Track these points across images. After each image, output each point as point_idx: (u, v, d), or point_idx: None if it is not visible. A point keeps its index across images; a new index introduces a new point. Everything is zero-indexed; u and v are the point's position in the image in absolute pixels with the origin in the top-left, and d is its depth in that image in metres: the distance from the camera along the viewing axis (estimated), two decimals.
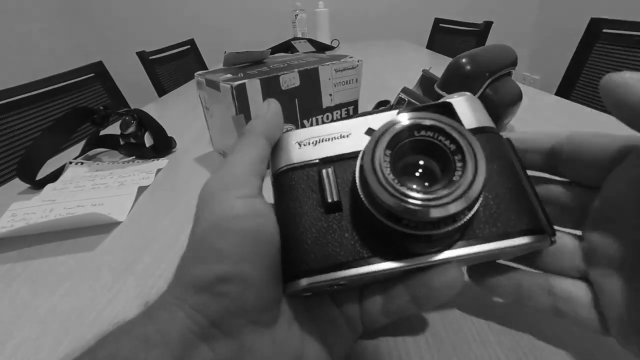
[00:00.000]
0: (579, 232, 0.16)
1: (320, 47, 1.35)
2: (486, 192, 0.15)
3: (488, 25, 1.27)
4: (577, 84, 0.94)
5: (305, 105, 0.43)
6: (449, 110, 0.17)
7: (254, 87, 0.38)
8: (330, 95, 0.45)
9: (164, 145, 0.51)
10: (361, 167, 0.14)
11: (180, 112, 0.75)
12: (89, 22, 2.34)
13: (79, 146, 0.54)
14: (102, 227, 0.34)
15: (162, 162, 0.48)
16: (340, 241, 0.15)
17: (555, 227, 0.15)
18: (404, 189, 0.12)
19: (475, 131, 0.15)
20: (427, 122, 0.14)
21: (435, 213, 0.12)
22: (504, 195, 0.15)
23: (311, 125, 0.44)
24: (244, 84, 0.37)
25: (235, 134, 0.40)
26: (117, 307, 0.25)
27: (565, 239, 0.16)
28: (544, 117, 0.52)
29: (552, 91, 0.76)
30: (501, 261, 0.18)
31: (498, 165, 0.15)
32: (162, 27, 2.35)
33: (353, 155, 0.16)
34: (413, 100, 0.44)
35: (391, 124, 0.14)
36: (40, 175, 0.45)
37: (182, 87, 1.07)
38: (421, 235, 0.13)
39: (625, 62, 0.84)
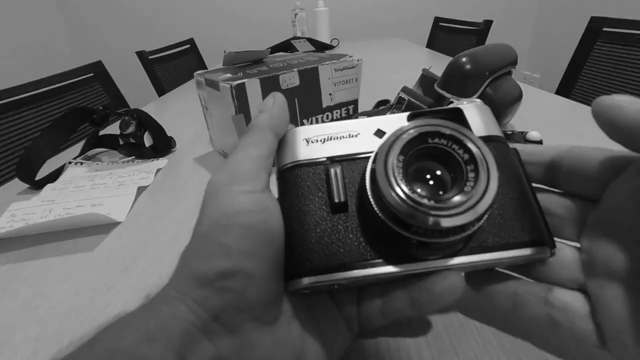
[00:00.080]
0: (576, 244, 0.16)
1: (320, 47, 1.35)
2: None
3: (488, 24, 1.27)
4: (577, 83, 0.94)
5: (305, 104, 0.43)
6: (458, 117, 0.17)
7: (253, 87, 0.38)
8: (330, 94, 0.45)
9: (163, 145, 0.51)
10: (373, 170, 0.14)
11: (179, 111, 0.75)
12: (88, 22, 2.34)
13: (79, 146, 0.54)
14: (102, 227, 0.34)
15: (161, 162, 0.48)
16: (345, 242, 0.15)
17: (555, 239, 0.15)
18: (415, 197, 0.12)
19: (484, 139, 0.15)
20: (444, 131, 0.14)
21: (446, 223, 0.12)
22: (508, 206, 0.15)
23: (311, 124, 0.44)
24: (244, 83, 0.37)
25: (234, 134, 0.40)
26: (117, 307, 0.25)
27: (565, 250, 0.16)
28: (544, 116, 0.52)
29: (552, 90, 0.76)
30: (499, 269, 0.18)
31: (504, 175, 0.15)
32: (162, 27, 2.35)
33: (361, 156, 0.16)
34: (413, 100, 0.44)
35: (405, 129, 0.14)
36: (40, 175, 0.45)
37: (182, 86, 1.07)
38: (428, 243, 0.13)
39: (626, 60, 0.84)
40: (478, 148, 0.13)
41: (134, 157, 0.50)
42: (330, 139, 0.17)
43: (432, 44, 1.60)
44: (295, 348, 0.16)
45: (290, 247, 0.15)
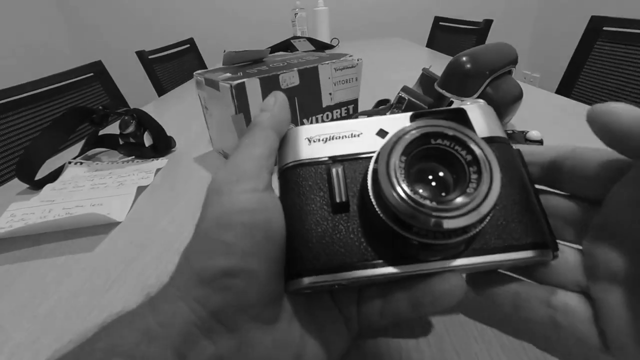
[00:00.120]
0: (579, 246, 0.16)
1: (320, 46, 1.35)
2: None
3: (488, 23, 1.27)
4: (577, 82, 0.93)
5: (305, 104, 0.43)
6: (462, 117, 0.17)
7: (253, 86, 0.38)
8: (330, 94, 0.45)
9: (163, 145, 0.50)
10: (375, 170, 0.14)
11: (179, 111, 0.75)
12: (88, 22, 2.33)
13: (78, 146, 0.54)
14: (101, 227, 0.34)
15: (161, 162, 0.47)
16: (346, 242, 0.15)
17: (557, 241, 0.15)
18: (417, 198, 0.12)
19: (487, 140, 0.15)
20: (447, 132, 0.14)
21: (448, 224, 0.12)
22: (511, 207, 0.15)
23: (311, 124, 0.44)
24: (243, 83, 0.37)
25: (234, 134, 0.39)
26: (117, 307, 0.25)
27: (567, 252, 0.16)
28: (545, 116, 0.52)
29: (553, 90, 0.76)
30: (501, 270, 0.18)
31: (507, 176, 0.15)
32: (162, 26, 2.35)
33: (363, 156, 0.16)
34: (413, 99, 0.44)
35: (408, 129, 0.14)
36: (39, 175, 0.45)
37: (182, 86, 1.07)
38: (429, 244, 0.13)
39: (626, 59, 0.83)
40: (481, 149, 0.13)
41: (133, 157, 0.50)
42: (333, 139, 0.17)
43: (432, 43, 1.60)
44: (295, 348, 0.15)
45: (291, 246, 0.15)
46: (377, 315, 0.17)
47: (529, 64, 2.49)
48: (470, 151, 0.13)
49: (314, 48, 1.31)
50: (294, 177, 0.16)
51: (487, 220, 0.13)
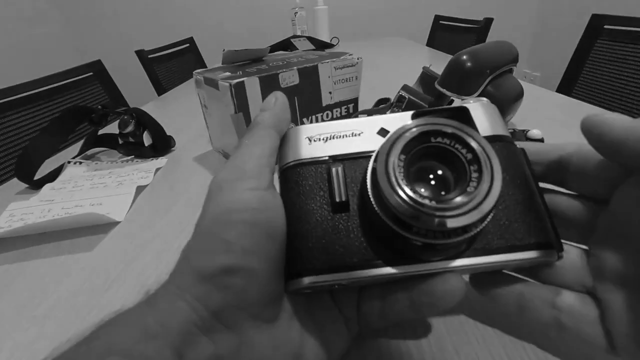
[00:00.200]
0: (585, 247, 0.16)
1: (320, 45, 1.34)
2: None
3: (488, 22, 1.27)
4: (578, 81, 0.93)
5: (305, 103, 0.43)
6: (464, 116, 0.16)
7: (252, 85, 0.38)
8: (330, 93, 0.44)
9: (163, 145, 0.50)
10: (374, 169, 0.14)
11: (179, 111, 0.75)
12: (87, 21, 2.33)
13: (78, 145, 0.54)
14: (101, 227, 0.34)
15: (161, 161, 0.47)
16: (346, 242, 0.15)
17: (563, 241, 0.15)
18: (417, 197, 0.12)
19: (490, 139, 0.15)
20: (446, 129, 0.14)
21: (448, 224, 0.12)
22: (514, 207, 0.15)
23: (311, 123, 0.44)
24: (243, 82, 0.37)
25: (234, 133, 0.39)
26: (116, 307, 0.24)
27: (573, 253, 0.16)
28: (545, 115, 0.52)
29: (553, 89, 0.76)
30: (505, 271, 0.18)
31: (510, 175, 0.15)
32: (161, 26, 2.34)
33: (364, 155, 0.16)
34: (413, 98, 0.43)
35: (407, 127, 0.14)
36: (39, 175, 0.44)
37: (182, 85, 1.06)
38: (429, 244, 0.13)
39: (627, 58, 0.83)
40: (481, 147, 0.13)
41: (133, 156, 0.50)
42: (333, 138, 0.17)
43: (432, 42, 1.60)
44: (295, 347, 0.15)
45: (292, 246, 0.15)
46: (377, 315, 0.17)
47: (529, 63, 2.49)
48: (471, 149, 0.13)
49: (313, 47, 1.31)
50: (294, 176, 0.16)
51: (488, 219, 0.13)
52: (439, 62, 0.52)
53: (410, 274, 0.14)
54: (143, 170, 0.45)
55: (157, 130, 0.50)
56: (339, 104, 0.46)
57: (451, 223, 0.12)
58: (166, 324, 0.13)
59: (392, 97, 0.48)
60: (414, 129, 0.14)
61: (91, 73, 1.02)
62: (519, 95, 0.43)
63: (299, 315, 0.16)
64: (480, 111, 0.17)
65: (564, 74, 0.96)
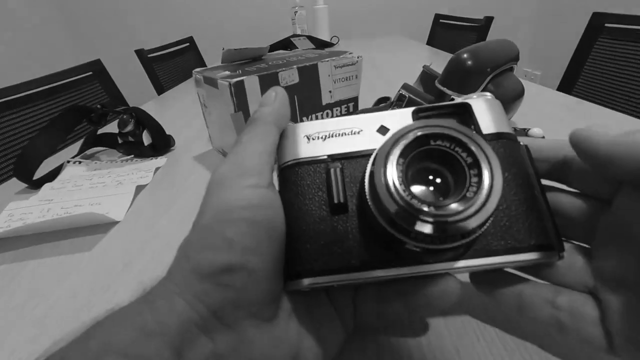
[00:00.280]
0: (586, 246, 0.16)
1: (320, 44, 1.34)
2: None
3: (489, 20, 1.26)
4: (579, 80, 0.93)
5: (304, 102, 0.42)
6: (467, 112, 0.16)
7: (252, 84, 0.38)
8: (330, 91, 0.44)
9: (162, 144, 0.50)
10: (372, 173, 0.13)
11: (179, 110, 0.75)
12: (87, 20, 2.33)
13: (77, 145, 0.54)
14: (100, 226, 0.34)
15: (160, 161, 0.47)
16: (344, 243, 0.15)
17: (564, 240, 0.15)
18: (414, 203, 0.12)
19: (493, 136, 0.15)
20: (446, 132, 0.13)
21: (445, 230, 0.12)
22: (515, 207, 0.14)
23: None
24: (242, 80, 0.37)
25: (234, 132, 0.39)
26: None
27: (574, 252, 0.16)
28: (546, 113, 0.52)
29: (554, 87, 0.76)
30: (507, 269, 0.17)
31: (512, 174, 0.15)
32: (161, 25, 2.34)
33: (363, 154, 0.16)
34: (414, 97, 0.43)
35: (406, 130, 0.13)
36: (38, 174, 0.44)
37: (181, 85, 1.06)
38: (427, 248, 0.13)
39: (628, 56, 0.83)
40: (482, 151, 0.13)
41: (132, 155, 0.49)
42: (332, 136, 0.16)
43: (432, 41, 1.59)
44: (293, 345, 0.15)
45: (291, 246, 0.15)
46: (373, 315, 0.17)
47: (530, 61, 2.48)
48: (471, 153, 0.13)
49: (313, 46, 1.31)
50: (293, 176, 0.16)
51: (486, 225, 0.13)
52: (439, 61, 0.52)
53: (408, 275, 0.14)
54: (142, 170, 0.45)
55: (156, 130, 0.49)
56: (339, 103, 0.46)
57: (449, 229, 0.12)
58: (165, 322, 0.12)
59: (393, 96, 0.48)
60: (414, 132, 0.13)
61: (90, 72, 1.02)
62: (519, 93, 0.43)
63: (298, 314, 0.16)
64: (484, 107, 0.16)
65: (564, 73, 0.96)
